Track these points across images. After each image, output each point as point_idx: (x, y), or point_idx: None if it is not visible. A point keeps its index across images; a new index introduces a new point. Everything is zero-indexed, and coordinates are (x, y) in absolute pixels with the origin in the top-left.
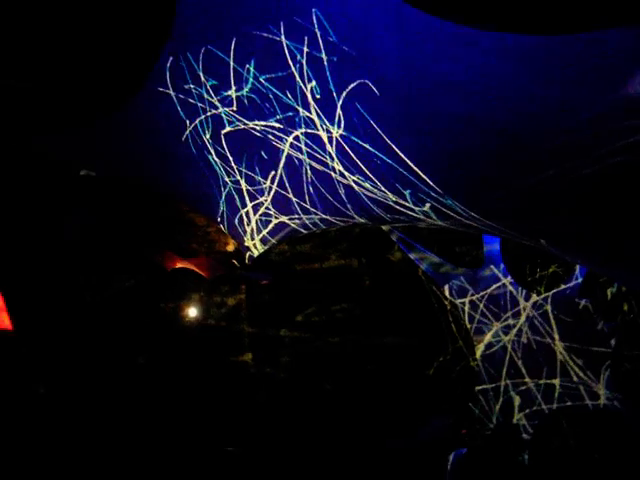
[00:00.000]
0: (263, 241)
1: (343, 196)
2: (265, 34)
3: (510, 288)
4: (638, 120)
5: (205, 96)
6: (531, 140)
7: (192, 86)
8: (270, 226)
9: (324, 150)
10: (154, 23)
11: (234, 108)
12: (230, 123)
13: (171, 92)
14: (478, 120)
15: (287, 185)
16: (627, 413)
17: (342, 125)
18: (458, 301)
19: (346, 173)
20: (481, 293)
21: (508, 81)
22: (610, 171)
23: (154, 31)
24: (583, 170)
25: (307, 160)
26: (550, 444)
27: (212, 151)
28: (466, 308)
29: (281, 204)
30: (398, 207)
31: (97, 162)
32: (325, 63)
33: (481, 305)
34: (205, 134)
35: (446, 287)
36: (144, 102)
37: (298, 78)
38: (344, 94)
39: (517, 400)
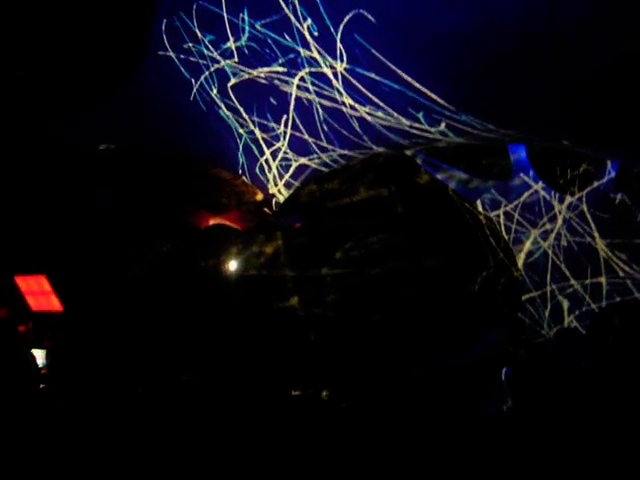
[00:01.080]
0: (287, 185)
1: (358, 129)
2: None
3: (543, 193)
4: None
5: (205, 52)
6: (538, 40)
7: (191, 44)
8: (291, 170)
9: (331, 86)
10: None
11: (236, 59)
12: (234, 75)
13: (171, 54)
14: (480, 29)
15: (301, 127)
16: None
17: (345, 59)
18: (492, 214)
19: (357, 105)
20: (514, 203)
21: None
22: (623, 62)
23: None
24: (595, 64)
25: (316, 99)
26: (604, 342)
27: (222, 105)
28: (501, 220)
29: (298, 146)
30: (414, 131)
31: (115, 135)
32: None
33: (516, 214)
34: (212, 90)
35: (478, 202)
36: (148, 68)
37: (293, 19)
38: (341, 27)
39: (565, 303)
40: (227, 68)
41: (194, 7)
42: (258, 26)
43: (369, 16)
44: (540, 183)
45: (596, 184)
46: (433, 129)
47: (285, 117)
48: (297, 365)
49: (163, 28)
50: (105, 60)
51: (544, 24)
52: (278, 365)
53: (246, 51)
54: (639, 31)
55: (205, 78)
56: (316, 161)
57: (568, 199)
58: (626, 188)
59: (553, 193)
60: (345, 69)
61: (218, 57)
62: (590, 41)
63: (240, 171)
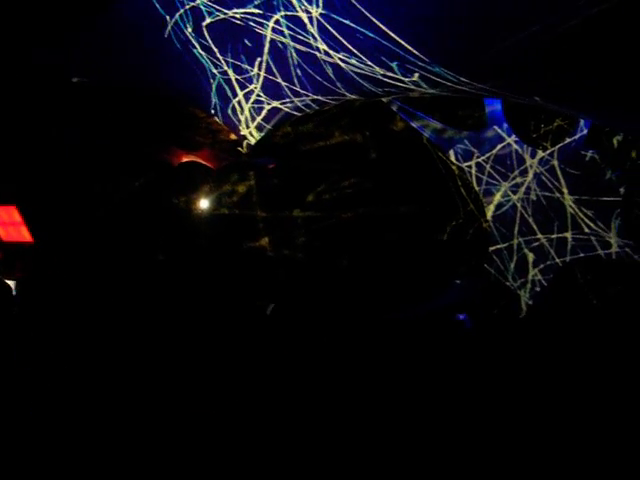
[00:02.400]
0: (258, 128)
1: (331, 75)
2: None
3: (515, 147)
4: None
5: None
6: None
7: None
8: (263, 112)
9: (306, 31)
10: None
11: None
12: (210, 14)
13: None
14: None
15: (274, 70)
16: (639, 258)
17: (320, 4)
18: (464, 165)
19: (331, 52)
20: (487, 154)
21: None
22: (592, 21)
23: None
24: (568, 23)
25: (291, 43)
26: (565, 295)
27: (196, 44)
28: (473, 171)
29: (271, 89)
30: (387, 80)
31: (89, 68)
32: None
33: (488, 166)
34: (187, 28)
35: (451, 152)
36: (121, 3)
37: None
38: None
39: (531, 256)
40: (202, 7)
41: None
42: None
43: None
44: (513, 136)
45: (568, 140)
46: (406, 79)
47: (259, 60)
48: (265, 302)
49: None
50: None
51: None
52: (246, 304)
53: None
54: None
55: (180, 16)
56: (289, 105)
57: (540, 154)
58: (597, 146)
59: (525, 147)
60: (320, 14)
61: None
62: None
63: (213, 111)
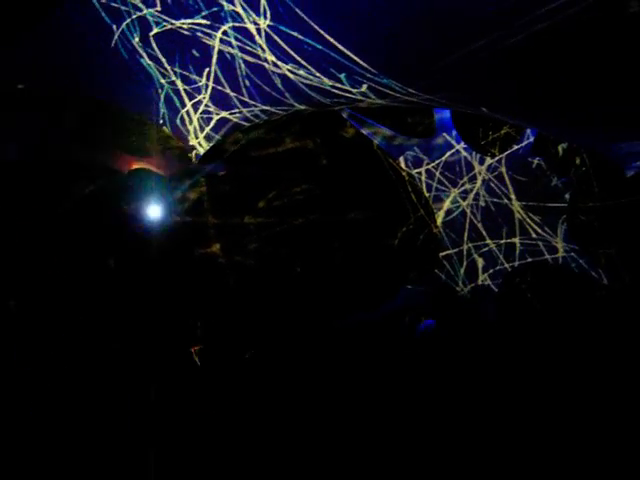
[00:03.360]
0: (207, 138)
1: (280, 86)
2: None
3: (464, 153)
4: None
5: None
6: (458, 11)
7: None
8: (212, 123)
9: (254, 42)
10: None
11: (158, 8)
12: (157, 24)
13: None
14: None
15: (223, 80)
16: (584, 262)
17: (268, 15)
18: (414, 171)
19: (279, 63)
20: (436, 161)
21: None
22: (536, 37)
23: None
24: (511, 38)
25: (239, 54)
26: (514, 299)
27: (144, 54)
28: (423, 177)
29: (220, 100)
30: (336, 91)
31: (32, 76)
32: None
33: (437, 173)
34: (134, 38)
35: (401, 158)
36: (66, 10)
37: None
38: None
39: (480, 262)
40: (149, 17)
41: None
42: None
43: None
44: (462, 143)
45: (515, 147)
46: (355, 90)
47: (207, 70)
48: (215, 311)
49: None
50: None
51: None
52: (196, 308)
53: (169, 1)
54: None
55: (127, 25)
56: (237, 115)
57: (488, 161)
58: (543, 153)
59: (474, 154)
60: (269, 26)
61: (140, 5)
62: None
63: (161, 121)
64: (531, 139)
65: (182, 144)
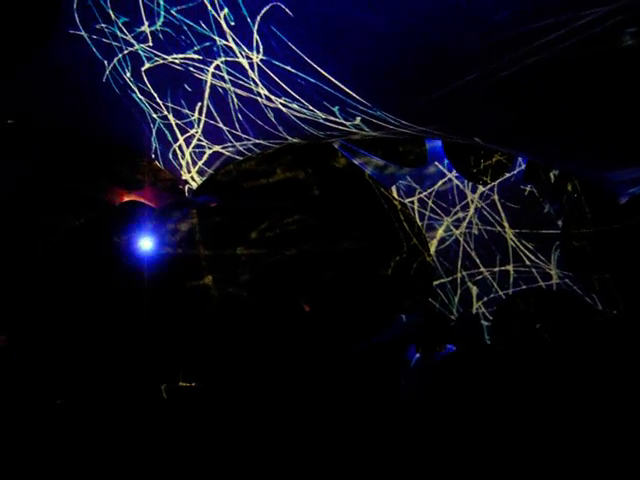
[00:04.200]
0: (200, 172)
1: (273, 119)
2: None
3: (456, 182)
4: (553, 19)
5: (119, 34)
6: (451, 46)
7: (104, 25)
8: (205, 157)
9: (247, 77)
10: None
11: (150, 44)
12: (149, 59)
13: (83, 33)
14: (396, 31)
15: (215, 115)
16: (578, 289)
17: (261, 50)
18: (407, 200)
19: (272, 97)
20: (428, 190)
21: None
22: (528, 70)
23: None
24: (502, 72)
25: (232, 88)
26: (509, 327)
27: (135, 89)
28: (415, 206)
29: (212, 134)
30: (329, 124)
31: (25, 111)
32: None
33: (430, 202)
34: (125, 73)
35: (393, 188)
36: (58, 47)
37: (210, 7)
38: (258, 19)
39: (474, 290)
40: (141, 52)
41: None
42: (174, 12)
43: (286, 9)
44: (454, 172)
45: (507, 175)
46: (348, 123)
47: (200, 104)
48: (209, 344)
49: (74, 6)
50: (14, 25)
51: (459, 34)
52: (191, 342)
53: (161, 36)
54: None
55: (118, 61)
56: (230, 149)
57: (480, 189)
58: (535, 180)
59: (466, 182)
60: (261, 60)
61: (132, 40)
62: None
63: (153, 156)
64: (523, 166)
65: (173, 176)
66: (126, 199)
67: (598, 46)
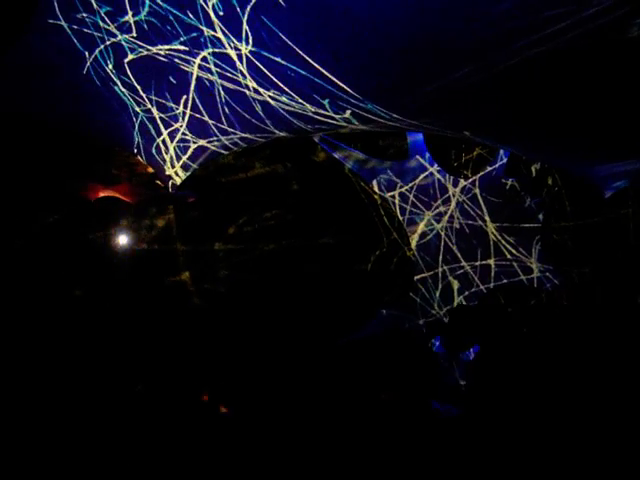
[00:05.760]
0: (184, 167)
1: (261, 113)
2: None
3: (438, 176)
4: (553, 11)
5: (101, 24)
6: (446, 37)
7: (85, 15)
8: (189, 151)
9: (235, 69)
10: None
11: (134, 34)
12: (132, 50)
13: (63, 23)
14: (390, 22)
15: (201, 108)
16: (559, 282)
17: (250, 41)
18: (388, 194)
19: (261, 89)
20: (410, 184)
21: None
22: (527, 63)
23: None
24: (499, 65)
25: (219, 81)
26: (490, 322)
27: (117, 82)
28: (396, 200)
29: (198, 128)
30: (318, 117)
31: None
32: None
33: (411, 196)
34: (107, 65)
35: (374, 182)
36: (35, 37)
37: None
38: (248, 8)
39: (456, 284)
40: (124, 43)
41: None
42: (159, 1)
43: None
44: (435, 166)
45: (489, 169)
46: (338, 116)
47: (185, 97)
48: (186, 341)
49: None
50: None
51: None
52: (167, 339)
53: (145, 26)
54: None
55: (100, 52)
56: (216, 143)
57: (462, 183)
58: (516, 174)
59: (447, 176)
60: (250, 51)
61: (115, 31)
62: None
63: (135, 150)
64: (504, 160)
65: (150, 170)
66: (102, 194)
67: (603, 37)
